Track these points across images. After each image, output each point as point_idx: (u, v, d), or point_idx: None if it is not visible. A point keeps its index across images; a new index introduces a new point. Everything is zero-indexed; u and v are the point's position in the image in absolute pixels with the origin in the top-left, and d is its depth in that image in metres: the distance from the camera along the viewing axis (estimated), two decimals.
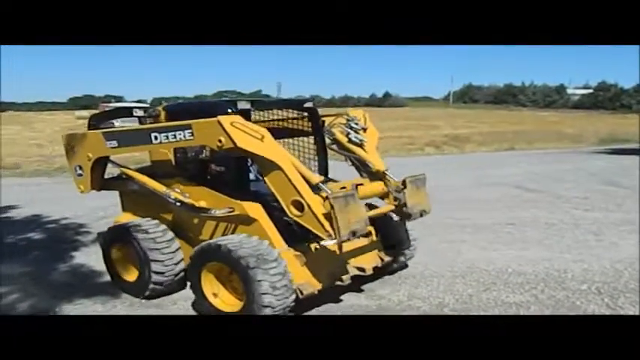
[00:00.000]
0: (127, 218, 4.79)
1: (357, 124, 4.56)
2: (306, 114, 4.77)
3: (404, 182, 4.21)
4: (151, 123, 4.64)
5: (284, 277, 3.58)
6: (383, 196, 4.36)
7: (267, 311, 3.49)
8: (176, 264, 4.31)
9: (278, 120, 4.77)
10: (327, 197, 3.51)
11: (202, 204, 4.15)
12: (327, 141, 4.69)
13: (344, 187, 4.06)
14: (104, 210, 7.71)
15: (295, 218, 3.63)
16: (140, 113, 4.76)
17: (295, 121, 4.79)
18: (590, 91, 75.96)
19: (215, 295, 3.85)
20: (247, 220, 3.94)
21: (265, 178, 3.73)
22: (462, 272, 5.05)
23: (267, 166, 3.68)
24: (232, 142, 3.59)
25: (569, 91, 79.21)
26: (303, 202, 3.55)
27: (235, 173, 4.34)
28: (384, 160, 4.56)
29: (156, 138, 4.10)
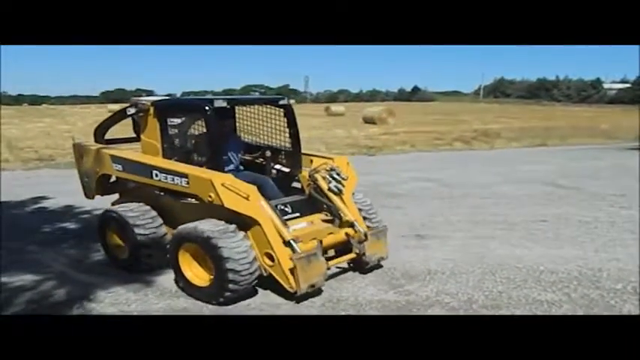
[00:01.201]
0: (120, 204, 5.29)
1: (338, 174, 5.00)
2: (281, 110, 5.22)
3: (366, 235, 4.65)
4: (141, 117, 5.08)
5: (242, 239, 4.09)
6: (346, 245, 4.73)
7: (230, 265, 3.94)
8: (161, 238, 4.78)
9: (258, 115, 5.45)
10: (291, 258, 4.03)
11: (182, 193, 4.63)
12: (312, 184, 5.07)
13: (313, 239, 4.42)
14: None
15: (267, 267, 4.16)
16: (132, 111, 5.09)
17: (272, 117, 5.34)
18: (628, 85, 73.41)
19: (190, 271, 4.33)
20: (220, 207, 4.28)
21: (247, 232, 4.21)
22: (492, 269, 4.97)
23: (249, 221, 4.19)
24: (220, 201, 4.11)
25: (606, 85, 76.83)
26: (274, 255, 4.09)
27: (213, 166, 4.79)
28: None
29: (156, 175, 4.64)
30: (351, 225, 4.73)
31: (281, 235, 4.20)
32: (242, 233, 4.16)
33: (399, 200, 8.35)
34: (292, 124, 5.20)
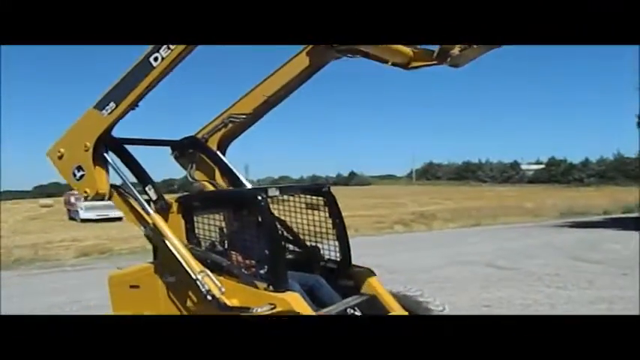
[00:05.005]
0: None
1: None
2: (322, 198, 4.59)
3: None
4: (160, 218, 4.03)
5: None
6: None
7: None
8: None
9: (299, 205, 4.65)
10: None
11: (235, 302, 3.60)
12: None
13: None
14: (62, 307, 7.31)
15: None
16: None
17: (314, 206, 4.62)
18: (543, 166, 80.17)
19: None
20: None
21: None
22: None
23: None
24: None
25: (524, 166, 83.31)
26: None
27: (274, 275, 3.80)
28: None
29: (156, 59, 3.62)
30: None
31: None
32: None
33: None
34: (337, 213, 4.55)
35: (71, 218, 30.34)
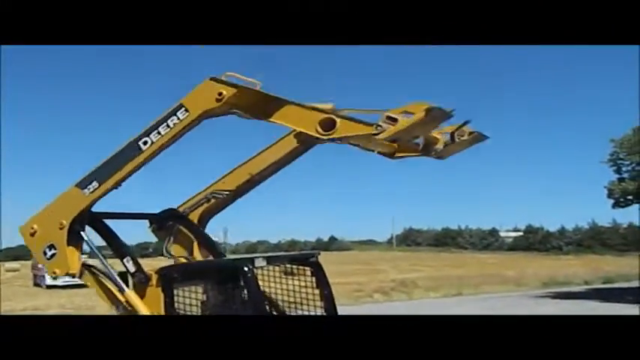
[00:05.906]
0: None
1: None
2: (310, 269, 4.48)
3: None
4: (135, 295, 3.91)
5: None
6: None
7: None
8: None
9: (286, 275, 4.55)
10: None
11: None
12: None
13: None
14: None
15: (325, 136, 3.40)
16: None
17: (301, 276, 4.51)
18: (521, 233, 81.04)
19: None
20: None
21: (276, 119, 3.53)
22: None
23: (273, 105, 3.51)
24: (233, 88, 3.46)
25: (502, 234, 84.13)
26: (333, 117, 3.35)
27: None
28: None
29: (145, 143, 3.62)
30: None
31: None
32: None
33: None
34: (325, 284, 4.39)
35: (36, 284, 29.19)
